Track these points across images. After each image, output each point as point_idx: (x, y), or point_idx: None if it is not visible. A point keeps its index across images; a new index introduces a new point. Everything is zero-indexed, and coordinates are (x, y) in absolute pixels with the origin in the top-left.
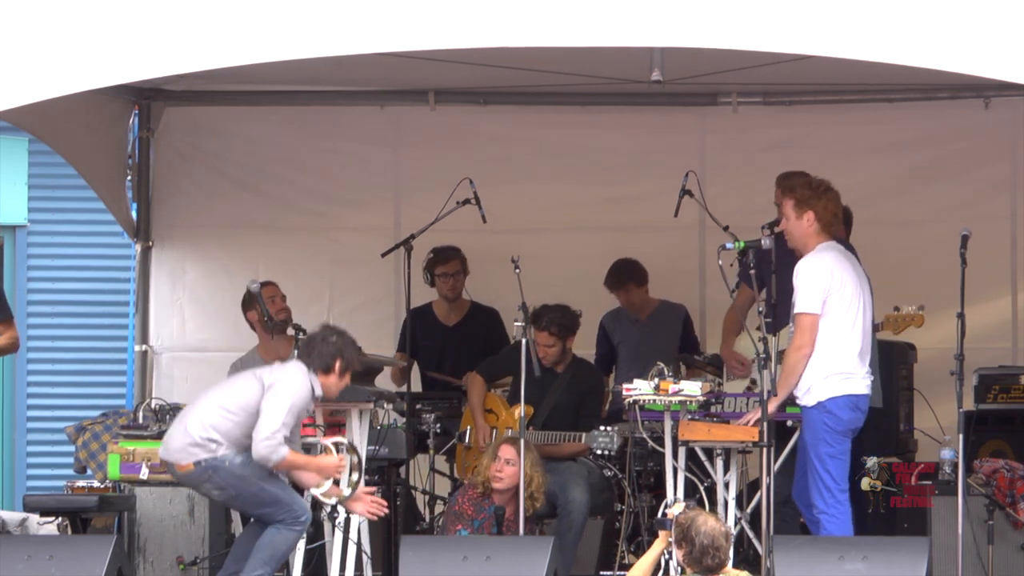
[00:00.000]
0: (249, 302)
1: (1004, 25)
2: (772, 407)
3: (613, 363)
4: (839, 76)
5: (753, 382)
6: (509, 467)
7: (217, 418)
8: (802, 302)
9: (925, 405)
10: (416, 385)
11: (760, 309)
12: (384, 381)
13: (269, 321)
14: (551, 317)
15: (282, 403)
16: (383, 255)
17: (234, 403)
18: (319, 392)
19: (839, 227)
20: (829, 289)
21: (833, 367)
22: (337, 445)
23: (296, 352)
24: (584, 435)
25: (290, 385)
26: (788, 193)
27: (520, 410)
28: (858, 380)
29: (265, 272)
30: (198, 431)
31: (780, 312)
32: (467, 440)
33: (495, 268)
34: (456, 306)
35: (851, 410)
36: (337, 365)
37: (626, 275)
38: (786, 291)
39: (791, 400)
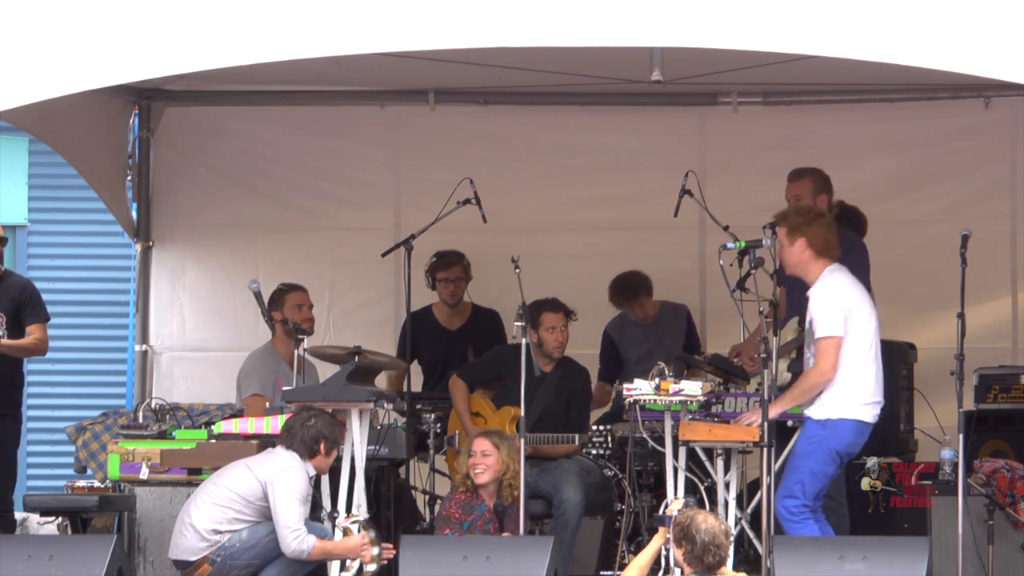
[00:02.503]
0: (277, 301)
1: (1004, 25)
2: (774, 413)
3: (619, 371)
4: (839, 76)
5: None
6: (487, 458)
7: (216, 511)
8: (824, 326)
9: (925, 405)
10: (416, 385)
11: (760, 309)
12: (383, 383)
13: (269, 322)
14: (554, 301)
15: (290, 496)
16: (383, 255)
17: (230, 494)
18: (312, 473)
19: (834, 252)
20: (849, 310)
21: (850, 389)
22: (355, 525)
23: (280, 438)
24: (578, 436)
25: (290, 477)
26: (781, 221)
27: (513, 412)
28: (870, 408)
29: (265, 272)
30: (202, 525)
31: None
32: (456, 444)
33: (495, 268)
34: (458, 310)
35: (856, 435)
36: (322, 447)
37: (638, 288)
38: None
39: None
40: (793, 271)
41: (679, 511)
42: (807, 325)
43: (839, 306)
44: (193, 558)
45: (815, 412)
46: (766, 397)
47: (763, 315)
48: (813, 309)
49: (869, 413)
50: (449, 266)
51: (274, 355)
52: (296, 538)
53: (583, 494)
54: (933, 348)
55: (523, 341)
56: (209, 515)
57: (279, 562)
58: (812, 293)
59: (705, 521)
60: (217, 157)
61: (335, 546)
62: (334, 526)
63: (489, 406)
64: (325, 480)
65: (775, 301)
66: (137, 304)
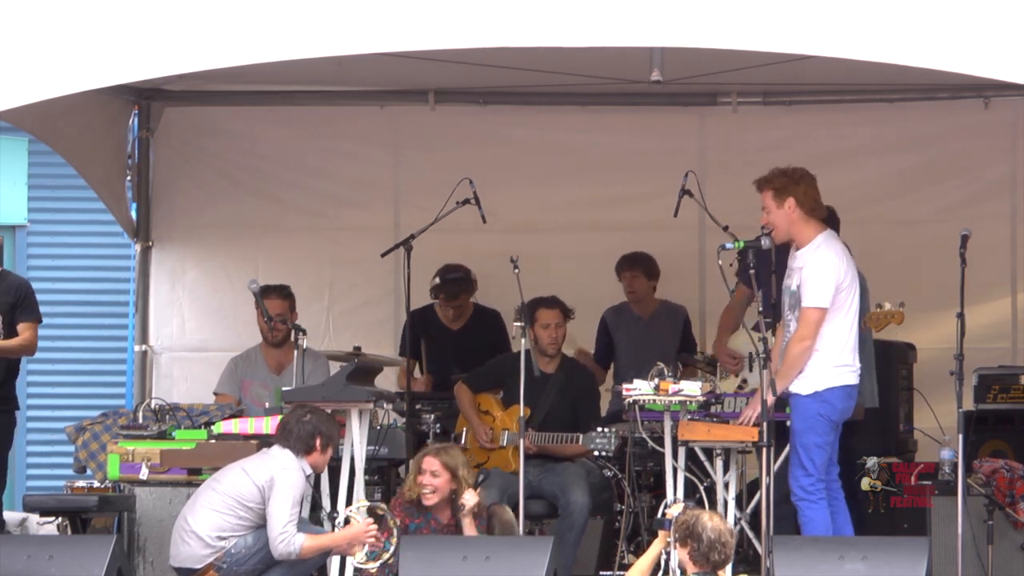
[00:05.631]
0: (259, 302)
1: (1004, 25)
2: (771, 400)
3: (612, 358)
4: (839, 76)
5: (745, 381)
6: (435, 480)
7: (218, 518)
8: (813, 296)
9: (925, 405)
10: (418, 384)
11: (759, 308)
12: (384, 382)
13: (269, 322)
14: (551, 298)
15: (285, 499)
16: (383, 255)
17: (230, 500)
18: (309, 472)
19: (821, 211)
20: (840, 284)
21: (834, 359)
22: (359, 513)
23: (277, 437)
24: (582, 436)
25: (286, 479)
26: (765, 186)
27: (518, 412)
28: (851, 372)
29: (265, 272)
30: (205, 532)
31: (777, 310)
32: (463, 441)
33: (495, 268)
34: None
35: (846, 399)
36: (318, 443)
37: (638, 261)
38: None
39: (788, 399)
40: (782, 235)
41: (680, 513)
42: (794, 287)
43: (832, 279)
44: (198, 566)
45: (802, 387)
46: (765, 397)
47: (762, 315)
48: (806, 276)
49: (853, 376)
50: (454, 297)
51: (252, 358)
52: (283, 540)
53: (590, 498)
54: (933, 348)
55: (523, 342)
56: (211, 522)
57: (284, 564)
58: (806, 259)
59: (711, 519)
60: (217, 157)
61: (330, 540)
62: (333, 526)
63: (498, 404)
64: (325, 480)
65: (773, 301)
66: (137, 304)
